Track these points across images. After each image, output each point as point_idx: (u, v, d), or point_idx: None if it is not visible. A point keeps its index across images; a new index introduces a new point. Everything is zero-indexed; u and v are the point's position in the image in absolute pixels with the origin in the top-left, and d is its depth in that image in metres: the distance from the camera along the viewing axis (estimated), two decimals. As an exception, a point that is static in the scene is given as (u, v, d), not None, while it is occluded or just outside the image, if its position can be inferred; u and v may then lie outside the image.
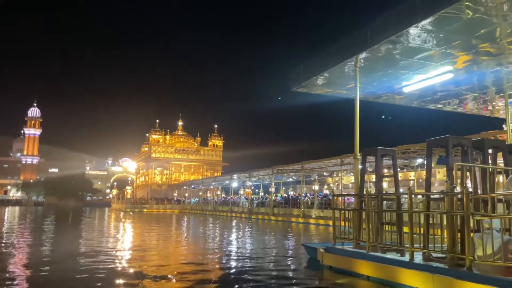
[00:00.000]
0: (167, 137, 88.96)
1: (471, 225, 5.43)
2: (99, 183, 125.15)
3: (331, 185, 51.63)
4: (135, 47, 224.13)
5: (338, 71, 9.58)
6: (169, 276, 7.17)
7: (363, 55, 8.50)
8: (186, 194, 64.60)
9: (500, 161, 7.30)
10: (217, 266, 8.63)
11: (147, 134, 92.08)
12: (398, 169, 8.95)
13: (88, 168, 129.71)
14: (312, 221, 26.97)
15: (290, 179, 46.84)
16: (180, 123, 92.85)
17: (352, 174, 36.92)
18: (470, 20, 7.03)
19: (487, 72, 9.58)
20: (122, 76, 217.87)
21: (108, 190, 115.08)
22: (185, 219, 34.04)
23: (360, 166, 8.71)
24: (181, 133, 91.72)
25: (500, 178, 7.63)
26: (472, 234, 5.36)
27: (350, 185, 51.68)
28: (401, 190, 8.50)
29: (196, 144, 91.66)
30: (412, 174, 38.81)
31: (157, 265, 8.56)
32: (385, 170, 10.57)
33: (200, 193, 60.86)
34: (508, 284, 4.55)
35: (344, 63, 8.94)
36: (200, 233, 18.94)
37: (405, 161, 25.81)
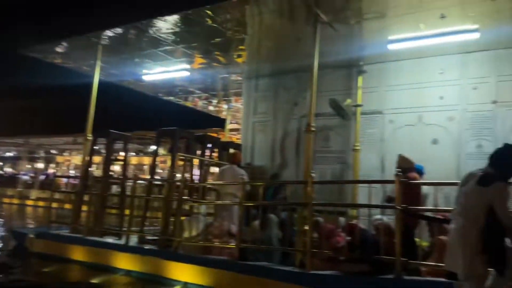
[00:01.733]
0: None
1: (185, 210, 6.06)
2: None
3: (60, 164, 47.39)
4: None
5: (79, 44, 8.87)
6: None
7: (106, 33, 8.17)
8: None
9: (216, 155, 8.47)
10: None
11: None
12: (134, 154, 9.06)
13: None
14: (30, 202, 23.96)
15: (9, 154, 40.13)
16: None
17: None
18: (209, 27, 7.87)
19: (217, 77, 11.00)
20: None
21: None
22: None
23: (90, 148, 8.32)
24: None
25: (216, 170, 8.84)
26: (183, 218, 5.98)
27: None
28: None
29: None
30: (146, 160, 40.20)
31: None
32: (122, 154, 10.52)
33: None
34: (203, 261, 5.31)
35: (86, 36, 8.35)
36: None
37: (141, 147, 26.51)
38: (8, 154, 39.58)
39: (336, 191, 7.01)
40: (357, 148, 7.31)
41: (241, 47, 8.65)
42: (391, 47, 6.90)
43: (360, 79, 7.54)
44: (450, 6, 5.90)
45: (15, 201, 24.83)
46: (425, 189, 5.36)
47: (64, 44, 9.22)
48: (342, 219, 5.71)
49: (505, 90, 6.57)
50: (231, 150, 7.97)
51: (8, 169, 37.72)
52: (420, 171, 5.51)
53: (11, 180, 28.45)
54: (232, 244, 5.29)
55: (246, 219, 5.64)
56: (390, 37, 6.79)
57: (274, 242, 5.26)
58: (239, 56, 9.32)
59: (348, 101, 7.43)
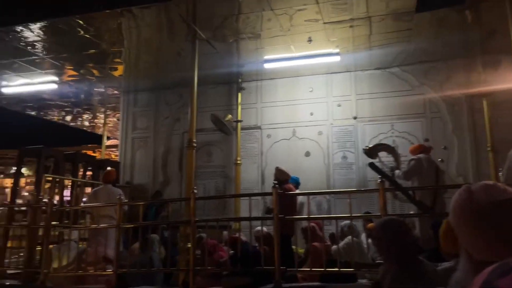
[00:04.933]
0: None
1: (54, 237, 5.45)
2: None
3: None
4: None
5: None
6: None
7: None
8: None
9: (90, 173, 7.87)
10: None
11: None
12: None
13: None
14: None
15: None
16: None
17: None
18: (81, 38, 7.31)
19: (92, 91, 10.26)
20: None
21: None
22: None
23: None
24: None
25: (90, 191, 8.19)
26: (51, 246, 5.37)
27: None
28: None
29: None
30: (9, 182, 35.40)
31: None
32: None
33: None
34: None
35: None
36: None
37: (1, 167, 23.25)
38: None
39: (220, 205, 7.09)
40: (238, 162, 7.52)
41: (117, 60, 8.23)
42: (267, 66, 7.32)
43: (239, 96, 7.83)
44: (316, 30, 6.51)
45: None
46: (300, 198, 5.77)
47: None
48: (225, 233, 5.78)
49: (363, 107, 7.48)
50: (107, 169, 7.50)
51: None
52: (296, 182, 5.89)
53: None
54: (109, 271, 4.91)
55: (126, 242, 5.33)
56: (266, 57, 7.21)
57: (156, 263, 5.06)
58: (115, 69, 8.86)
59: (229, 116, 7.64)
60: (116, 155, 15.78)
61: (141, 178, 8.01)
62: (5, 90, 9.31)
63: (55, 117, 13.04)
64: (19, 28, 6.88)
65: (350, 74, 7.62)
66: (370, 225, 5.38)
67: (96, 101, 11.40)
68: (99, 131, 15.31)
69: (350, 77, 7.61)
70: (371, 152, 5.38)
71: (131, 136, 8.23)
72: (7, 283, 5.35)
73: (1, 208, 7.78)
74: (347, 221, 5.02)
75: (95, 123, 13.94)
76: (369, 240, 5.00)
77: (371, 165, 4.58)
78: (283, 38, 6.81)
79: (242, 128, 7.74)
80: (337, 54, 6.90)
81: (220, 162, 7.88)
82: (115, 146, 16.93)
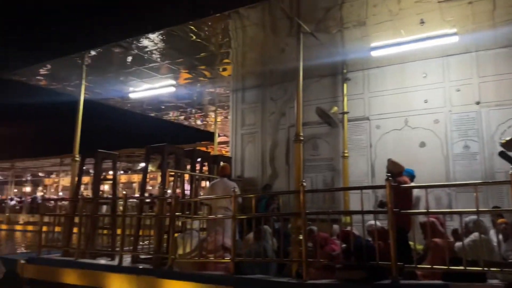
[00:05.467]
0: None
1: (178, 226, 6.00)
2: None
3: (48, 186, 46.67)
4: None
5: (63, 65, 8.81)
6: None
7: (91, 53, 8.14)
8: None
9: (207, 169, 8.45)
10: None
11: None
12: (122, 172, 8.97)
13: None
14: (18, 227, 23.48)
15: (-5, 179, 39.39)
16: None
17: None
18: (193, 43, 7.89)
19: (204, 91, 11.00)
20: None
21: None
22: None
23: (78, 168, 8.22)
24: None
25: (207, 184, 8.80)
26: (176, 235, 5.92)
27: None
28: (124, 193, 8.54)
29: None
30: (135, 177, 39.85)
31: None
32: (110, 173, 10.41)
33: None
34: (201, 278, 5.25)
35: (70, 57, 8.30)
36: None
37: (129, 165, 26.28)
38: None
39: (328, 199, 7.05)
40: (346, 155, 7.37)
41: (226, 60, 8.69)
42: (374, 53, 7.02)
43: (345, 87, 7.65)
44: (429, 11, 6.03)
45: (3, 226, 24.31)
46: (416, 192, 5.43)
47: (48, 66, 9.15)
48: (336, 227, 5.72)
49: (487, 90, 6.73)
50: (221, 163, 7.96)
51: (-5, 195, 36.96)
52: (410, 175, 5.57)
53: (-1, 206, 27.87)
54: (227, 259, 5.24)
55: (240, 232, 5.62)
56: (372, 44, 6.91)
57: (269, 253, 5.24)
58: (224, 69, 9.37)
59: (335, 108, 7.52)
60: (227, 151, 16.70)
61: (251, 172, 8.36)
62: (131, 95, 10.49)
63: (171, 117, 14.29)
64: (140, 39, 7.68)
65: (470, 55, 6.90)
66: (501, 220, 4.84)
67: (207, 101, 12.19)
68: (211, 129, 16.35)
69: (470, 59, 6.89)
70: (510, 144, 4.78)
71: (240, 132, 8.62)
72: (140, 267, 6.05)
73: (133, 200, 8.79)
74: (473, 216, 4.58)
75: (206, 121, 14.92)
76: (500, 237, 4.50)
77: (502, 154, 4.11)
78: (391, 23, 6.45)
79: (349, 120, 7.56)
80: (454, 34, 6.31)
81: (327, 155, 7.81)
82: (225, 142, 17.93)
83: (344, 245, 4.65)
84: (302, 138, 5.46)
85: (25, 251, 11.95)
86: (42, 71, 9.37)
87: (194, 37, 7.74)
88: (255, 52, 8.15)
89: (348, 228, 4.89)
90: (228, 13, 6.57)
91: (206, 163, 8.31)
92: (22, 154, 28.85)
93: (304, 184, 4.91)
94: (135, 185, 36.28)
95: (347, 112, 7.50)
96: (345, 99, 7.59)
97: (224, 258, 5.37)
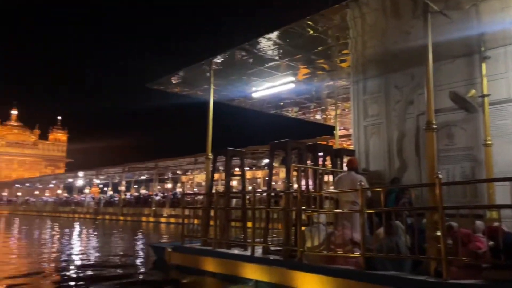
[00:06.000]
0: (-4, 127, 76.35)
1: (303, 219, 6.11)
2: None
3: (185, 183, 51.78)
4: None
5: (193, 72, 9.67)
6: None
7: (217, 59, 8.76)
8: (19, 193, 56.48)
9: (329, 163, 8.40)
10: (54, 273, 7.78)
11: (-31, 123, 77.39)
12: (248, 168, 9.49)
13: None
14: (163, 220, 26.58)
15: (143, 177, 45.26)
16: (15, 112, 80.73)
17: (205, 173, 37.59)
18: (310, 37, 7.90)
19: (323, 85, 10.93)
20: None
21: None
22: (18, 222, 29.72)
23: (211, 166, 8.95)
24: (15, 124, 79.84)
25: (330, 178, 8.75)
26: (303, 228, 6.03)
27: (203, 183, 52.61)
28: (249, 188, 9.04)
29: (34, 137, 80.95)
30: (260, 173, 41.65)
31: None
32: (237, 169, 11.10)
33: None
34: (330, 271, 5.26)
35: (199, 64, 9.07)
36: (35, 238, 16.77)
37: (254, 161, 27.57)
38: (142, 177, 44.66)
39: (470, 192, 6.38)
40: (488, 142, 6.57)
41: (344, 51, 8.50)
42: (518, 25, 6.10)
43: (483, 66, 6.82)
44: None
45: (151, 219, 27.79)
46: None
47: (181, 74, 10.14)
48: (479, 223, 5.15)
49: None
50: (346, 157, 7.82)
51: (143, 191, 42.49)
52: None
53: (146, 200, 31.99)
54: (357, 253, 5.14)
55: (369, 227, 5.46)
56: (516, 15, 6.02)
57: (402, 249, 4.98)
58: (343, 61, 9.17)
59: (472, 92, 6.75)
60: (348, 144, 16.34)
61: (377, 165, 8.02)
62: (254, 95, 10.98)
63: (291, 113, 14.53)
64: (260, 40, 7.98)
65: None
66: None
67: (326, 95, 12.09)
68: (330, 123, 16.18)
69: None
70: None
71: (363, 124, 8.34)
72: (271, 258, 6.32)
73: (261, 194, 9.20)
74: None
75: (326, 115, 14.80)
76: None
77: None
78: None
79: (490, 103, 6.71)
80: None
81: (464, 144, 7.05)
82: (345, 136, 17.57)
83: (491, 243, 4.17)
84: (434, 127, 5.05)
85: (169, 241, 13.45)
86: (176, 79, 10.42)
87: (311, 32, 7.75)
88: (376, 39, 7.80)
89: (496, 224, 4.36)
90: (346, 2, 6.41)
91: (327, 157, 8.26)
92: (164, 154, 32.53)
93: (440, 176, 4.53)
94: (259, 181, 37.99)
95: (487, 95, 6.67)
96: (484, 80, 6.76)
97: (353, 252, 5.28)
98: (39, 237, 17.07)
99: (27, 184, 60.60)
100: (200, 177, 51.13)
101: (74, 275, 7.60)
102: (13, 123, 79.73)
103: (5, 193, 62.46)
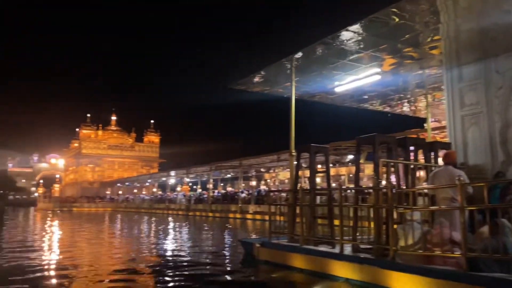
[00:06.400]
0: (99, 132, 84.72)
1: (395, 217, 5.83)
2: (23, 181, 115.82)
3: (268, 180, 52.59)
4: (65, 37, 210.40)
5: (274, 70, 9.77)
6: (101, 279, 6.87)
7: (298, 55, 8.74)
8: (120, 192, 62.21)
9: (421, 157, 7.90)
10: (151, 264, 8.43)
11: (77, 129, 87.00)
12: (330, 165, 9.34)
13: (10, 165, 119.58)
14: (249, 216, 27.29)
15: (229, 175, 46.96)
16: (114, 117, 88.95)
17: (288, 170, 37.81)
18: (396, 25, 7.52)
19: (411, 75, 10.34)
20: (49, 67, 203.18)
21: (33, 189, 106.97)
22: (119, 218, 32.77)
23: (295, 163, 8.97)
24: (114, 128, 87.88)
25: (421, 173, 8.23)
26: (395, 226, 5.75)
27: (286, 180, 52.98)
28: (333, 185, 8.89)
29: (131, 140, 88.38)
30: (343, 170, 40.71)
31: (88, 268, 8.16)
32: (319, 166, 10.99)
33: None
34: (427, 272, 4.96)
35: (280, 62, 9.13)
36: (135, 232, 18.35)
37: (337, 157, 27.01)
38: (228, 175, 46.40)
39: None
40: None
41: (435, 37, 7.93)
42: None
43: None
44: None
45: (238, 215, 28.71)
46: None
47: (262, 73, 10.30)
48: None
49: None
50: (441, 150, 7.30)
51: (229, 188, 44.09)
52: None
53: (232, 198, 33.15)
54: (457, 253, 4.77)
55: (470, 225, 5.03)
56: None
57: (511, 250, 4.51)
58: (433, 48, 8.57)
59: None
60: (441, 137, 15.22)
61: (477, 158, 7.34)
62: (337, 89, 10.77)
63: (376, 107, 13.96)
64: (342, 32, 7.78)
65: None
66: None
67: (415, 85, 11.40)
68: (420, 114, 15.23)
69: None
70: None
71: (459, 114, 7.68)
72: (361, 256, 6.13)
73: (348, 191, 8.98)
74: None
75: (415, 106, 13.97)
76: None
77: None
78: None
79: None
80: None
81: None
82: (437, 128, 16.38)
83: None
84: (547, 113, 4.48)
85: (256, 236, 13.76)
86: (257, 78, 10.61)
87: (397, 20, 7.37)
88: (471, 22, 7.15)
89: None
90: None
91: (420, 151, 7.76)
92: (247, 153, 33.44)
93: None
94: (343, 178, 37.13)
95: None
96: None
97: (453, 252, 4.91)
98: (141, 230, 18.61)
99: (127, 183, 66.38)
100: (283, 175, 51.53)
101: (171, 264, 8.17)
102: (113, 128, 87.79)
103: (108, 192, 69.25)
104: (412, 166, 6.86)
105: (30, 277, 6.83)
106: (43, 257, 9.51)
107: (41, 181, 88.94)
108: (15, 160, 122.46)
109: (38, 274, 7.17)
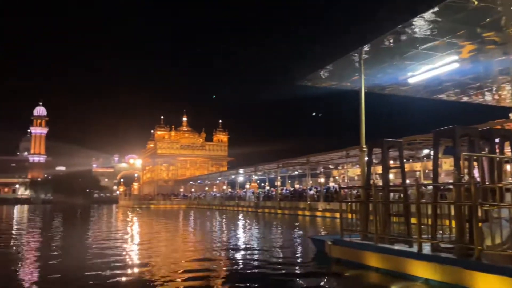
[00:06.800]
0: (172, 133, 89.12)
1: (479, 215, 5.43)
2: (106, 180, 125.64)
3: (337, 177, 51.63)
4: (139, 43, 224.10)
5: (342, 64, 9.54)
6: (177, 270, 7.24)
7: (367, 47, 8.46)
8: (193, 189, 64.99)
9: (508, 150, 7.27)
10: (225, 259, 8.70)
11: (152, 131, 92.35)
12: (404, 160, 8.92)
13: (94, 165, 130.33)
14: (318, 213, 27.01)
15: (296, 173, 46.87)
16: (185, 118, 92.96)
17: (357, 166, 36.78)
18: (475, 9, 6.98)
19: (493, 61, 9.52)
20: (126, 73, 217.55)
21: (115, 187, 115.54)
22: (193, 214, 34.23)
23: (366, 158, 8.70)
24: (186, 129, 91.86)
25: (508, 167, 7.59)
26: (480, 224, 5.36)
27: (356, 177, 51.59)
28: (407, 181, 8.49)
29: (201, 139, 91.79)
30: (418, 165, 38.69)
31: (167, 261, 8.64)
32: (391, 162, 10.56)
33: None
34: (518, 273, 4.56)
35: (349, 55, 8.90)
36: (208, 228, 19.06)
37: (411, 152, 25.72)
38: (295, 172, 46.32)
39: None
40: None
41: (522, 17, 7.21)
42: None
43: None
44: None
45: (307, 212, 28.54)
46: None
47: (329, 67, 10.11)
48: None
49: None
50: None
51: (297, 185, 44.00)
52: None
53: (301, 195, 33.03)
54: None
55: None
56: None
57: None
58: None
59: None
60: (530, 127, 13.82)
61: None
62: (410, 80, 10.25)
63: (453, 97, 13.03)
64: (415, 20, 7.38)
65: None
66: None
67: (498, 72, 10.49)
68: (505, 103, 13.99)
69: None
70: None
71: (553, 101, 6.94)
72: (443, 255, 5.79)
73: (426, 188, 8.52)
74: None
75: (499, 95, 12.84)
76: None
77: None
78: None
79: None
80: None
81: None
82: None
83: None
84: None
85: (327, 234, 13.59)
86: (324, 73, 10.44)
87: (476, 3, 6.82)
88: None
89: None
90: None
91: (507, 143, 7.13)
92: (315, 149, 33.08)
93: None
94: (418, 174, 35.25)
95: None
96: None
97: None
98: (214, 226, 19.29)
99: (198, 181, 69.09)
100: (352, 171, 50.24)
101: (241, 260, 8.37)
102: (184, 128, 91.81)
103: (181, 189, 72.60)
104: (498, 160, 6.32)
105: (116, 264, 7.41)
106: (137, 248, 10.25)
107: (122, 180, 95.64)
108: (98, 161, 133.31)
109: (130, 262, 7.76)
